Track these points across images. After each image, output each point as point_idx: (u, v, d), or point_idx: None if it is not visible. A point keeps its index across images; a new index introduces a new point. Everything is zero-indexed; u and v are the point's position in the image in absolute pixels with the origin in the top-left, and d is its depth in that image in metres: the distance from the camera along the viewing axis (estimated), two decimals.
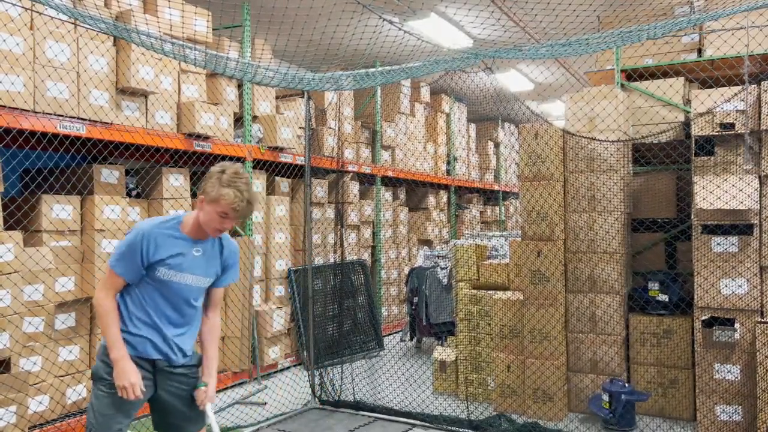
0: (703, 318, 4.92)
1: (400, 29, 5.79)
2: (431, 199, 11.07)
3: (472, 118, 12.89)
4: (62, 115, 4.85)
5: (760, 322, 4.59)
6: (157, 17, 5.68)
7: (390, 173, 9.46)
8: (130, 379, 2.78)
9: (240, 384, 6.54)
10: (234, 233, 6.64)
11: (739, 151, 4.92)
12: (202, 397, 3.03)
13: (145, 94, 5.62)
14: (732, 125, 4.85)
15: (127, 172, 5.74)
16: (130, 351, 2.86)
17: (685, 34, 5.90)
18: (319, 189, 8.03)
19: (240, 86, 6.80)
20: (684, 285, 5.50)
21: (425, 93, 10.73)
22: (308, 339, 6.42)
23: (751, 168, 4.87)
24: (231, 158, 6.52)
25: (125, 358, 2.81)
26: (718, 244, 4.89)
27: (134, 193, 5.93)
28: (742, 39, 5.24)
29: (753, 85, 4.85)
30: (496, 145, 13.87)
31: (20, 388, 4.43)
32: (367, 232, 9.16)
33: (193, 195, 6.46)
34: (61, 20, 4.87)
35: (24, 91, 4.59)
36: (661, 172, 5.92)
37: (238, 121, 6.77)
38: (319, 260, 7.83)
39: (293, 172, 7.50)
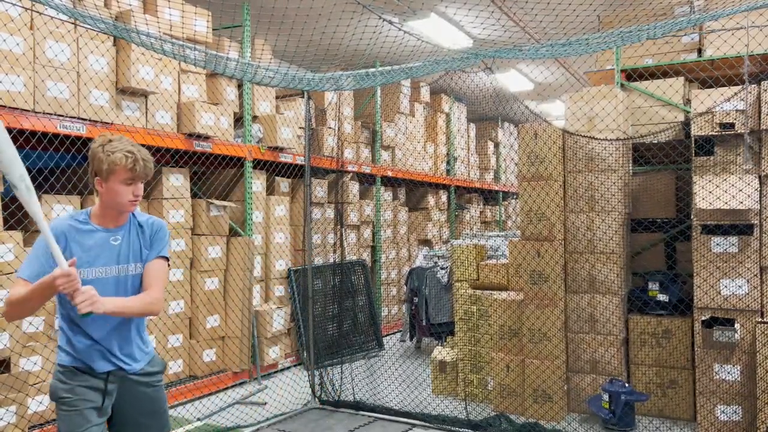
0: (703, 318, 4.93)
1: (400, 29, 5.79)
2: (431, 199, 11.07)
3: (471, 118, 12.89)
4: (62, 115, 4.86)
5: (760, 323, 4.59)
6: (157, 17, 5.68)
7: (390, 173, 9.47)
8: (54, 274, 2.36)
9: (240, 384, 6.54)
10: (234, 233, 6.65)
11: (738, 150, 4.92)
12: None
13: (145, 94, 5.62)
14: (732, 125, 4.85)
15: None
16: (79, 364, 2.65)
17: (685, 34, 5.90)
18: (319, 189, 8.04)
19: (240, 86, 6.80)
20: (683, 285, 5.50)
21: (425, 93, 10.73)
22: (308, 339, 6.42)
23: (750, 168, 4.87)
24: (231, 158, 6.53)
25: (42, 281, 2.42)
26: (717, 244, 4.90)
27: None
28: (742, 39, 5.24)
29: (753, 85, 4.85)
30: (496, 145, 13.88)
31: (20, 388, 4.43)
32: (366, 232, 9.16)
33: (194, 195, 6.47)
34: (61, 20, 4.87)
35: (24, 91, 4.59)
36: (660, 172, 5.92)
37: (238, 121, 6.77)
38: (319, 260, 7.83)
39: (293, 172, 7.51)
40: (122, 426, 2.79)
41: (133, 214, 2.81)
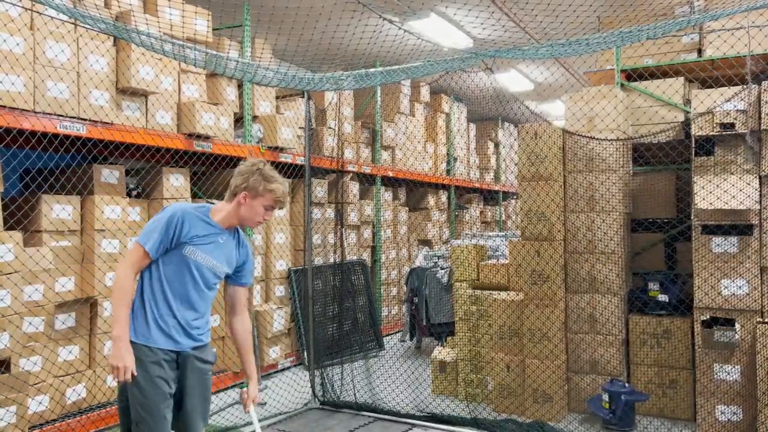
0: (703, 319, 4.92)
1: (400, 28, 5.79)
2: (431, 199, 11.07)
3: (471, 118, 12.89)
4: (62, 115, 4.85)
5: (760, 323, 4.59)
6: (157, 17, 5.68)
7: (390, 173, 9.46)
8: (126, 361, 2.79)
9: (240, 384, 6.54)
10: None
11: (738, 151, 4.92)
12: (245, 397, 3.18)
13: (145, 94, 5.62)
14: (732, 125, 4.85)
15: (127, 172, 5.74)
16: (153, 344, 2.91)
17: (685, 34, 5.90)
18: (319, 189, 8.03)
19: (240, 86, 6.80)
20: (683, 285, 5.50)
21: (425, 93, 10.73)
22: (308, 339, 6.42)
23: (751, 168, 4.87)
24: (231, 158, 6.53)
25: (125, 339, 2.82)
26: (717, 244, 4.89)
27: (134, 193, 5.93)
28: (742, 39, 5.24)
29: (753, 85, 4.85)
30: (496, 145, 13.87)
31: (20, 388, 4.43)
32: (366, 232, 9.16)
33: (194, 195, 6.46)
34: (61, 20, 4.87)
35: (24, 91, 4.59)
36: (660, 172, 5.92)
37: (239, 121, 6.77)
38: (319, 260, 7.83)
39: (293, 172, 7.50)
40: (178, 403, 3.02)
41: (238, 227, 3.20)
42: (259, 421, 5.38)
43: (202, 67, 4.91)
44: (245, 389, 3.20)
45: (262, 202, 3.03)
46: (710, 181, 4.89)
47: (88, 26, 4.46)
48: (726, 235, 4.86)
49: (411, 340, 8.03)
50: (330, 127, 8.29)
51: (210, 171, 6.91)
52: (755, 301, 4.77)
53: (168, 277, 2.97)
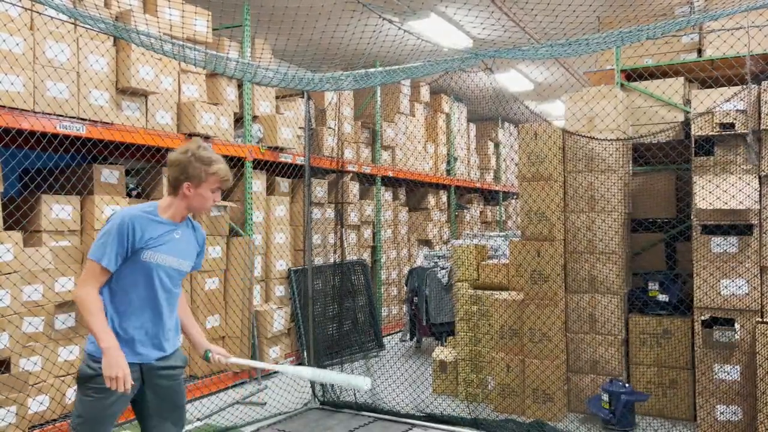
0: (703, 318, 4.92)
1: (399, 28, 5.79)
2: (431, 199, 11.07)
3: (472, 118, 12.89)
4: (62, 115, 4.85)
5: (760, 323, 4.59)
6: (157, 17, 5.68)
7: (390, 173, 9.46)
8: (123, 369, 2.68)
9: (240, 384, 6.54)
10: (234, 233, 6.65)
11: (738, 151, 4.92)
12: (216, 359, 3.07)
13: (145, 94, 5.62)
14: (732, 125, 4.85)
15: (127, 172, 5.74)
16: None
17: (684, 34, 5.90)
18: (319, 189, 8.03)
19: (240, 86, 6.80)
20: (683, 285, 5.50)
21: (425, 93, 10.73)
22: (308, 339, 6.42)
23: (750, 168, 4.87)
24: (231, 158, 6.53)
25: (115, 348, 2.70)
26: (717, 244, 4.89)
27: (134, 193, 5.93)
28: (742, 39, 5.24)
29: (753, 85, 4.85)
30: (496, 145, 13.87)
31: (20, 388, 4.43)
32: (367, 232, 9.16)
33: None
34: (61, 20, 4.87)
35: (24, 91, 4.59)
36: (660, 172, 5.92)
37: (238, 121, 6.77)
38: (319, 260, 7.83)
39: (293, 172, 7.50)
40: (147, 413, 2.94)
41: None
42: (259, 421, 5.39)
43: (202, 67, 4.91)
44: (210, 355, 3.06)
45: (207, 187, 2.89)
46: (710, 181, 4.89)
47: (88, 26, 4.47)
48: (726, 235, 4.86)
49: (411, 340, 8.03)
50: (330, 127, 8.29)
51: None
52: (755, 301, 4.77)
53: (130, 288, 2.82)
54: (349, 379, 3.19)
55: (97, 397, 2.76)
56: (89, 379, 2.76)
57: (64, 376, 4.91)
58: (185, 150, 2.91)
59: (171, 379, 2.96)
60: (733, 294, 4.83)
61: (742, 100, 4.84)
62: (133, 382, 2.75)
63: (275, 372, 7.07)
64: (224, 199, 6.80)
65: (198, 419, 5.44)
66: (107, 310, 2.81)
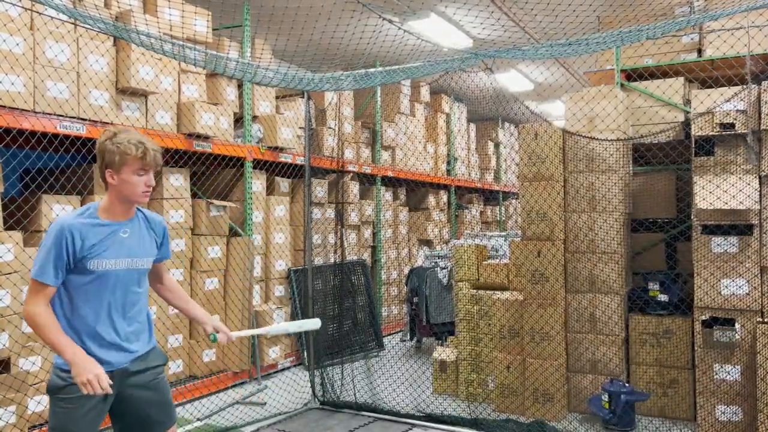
0: (704, 318, 4.92)
1: (399, 28, 5.79)
2: (431, 199, 11.07)
3: (472, 118, 12.89)
4: (62, 115, 4.86)
5: (761, 323, 4.59)
6: (157, 17, 5.68)
7: (390, 173, 9.46)
8: (94, 371, 2.53)
9: (240, 384, 6.54)
10: (234, 233, 6.65)
11: (738, 151, 4.91)
12: (224, 339, 2.99)
13: (145, 94, 5.62)
14: (732, 125, 4.85)
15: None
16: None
17: (685, 34, 5.89)
18: (319, 189, 8.03)
19: (240, 86, 6.80)
20: (684, 285, 5.50)
21: (425, 93, 10.73)
22: (308, 339, 6.42)
23: (751, 168, 4.87)
24: (231, 158, 6.53)
25: (79, 353, 2.56)
26: (718, 244, 4.89)
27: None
28: (742, 39, 5.23)
29: (753, 85, 4.85)
30: (496, 145, 13.87)
31: (20, 388, 4.43)
32: (367, 232, 9.16)
33: (194, 195, 6.47)
34: (61, 20, 4.87)
35: (24, 91, 4.59)
36: (660, 172, 5.92)
37: (238, 121, 6.77)
38: (319, 260, 7.83)
39: (293, 172, 7.50)
40: (128, 420, 2.82)
41: (138, 207, 2.86)
42: (259, 421, 5.39)
43: (202, 67, 4.91)
44: (218, 335, 2.97)
45: (129, 170, 2.65)
46: (710, 181, 4.88)
47: (88, 26, 4.46)
48: (726, 235, 4.86)
49: (411, 340, 8.03)
50: (330, 127, 8.29)
51: (210, 171, 6.91)
52: (755, 300, 4.77)
53: (82, 299, 2.66)
54: (302, 324, 3.25)
55: (70, 407, 2.63)
56: (59, 390, 2.64)
57: None
58: (102, 139, 2.70)
59: (152, 378, 2.85)
60: (734, 294, 4.82)
61: (742, 100, 4.84)
62: (110, 383, 2.61)
63: (275, 372, 7.08)
64: (224, 198, 6.81)
65: (198, 419, 5.44)
66: (64, 325, 2.65)
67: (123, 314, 2.76)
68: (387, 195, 9.75)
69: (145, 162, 2.68)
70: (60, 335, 2.58)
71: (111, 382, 2.59)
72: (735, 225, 4.83)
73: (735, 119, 4.83)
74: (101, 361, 2.64)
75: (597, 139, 5.31)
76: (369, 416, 5.51)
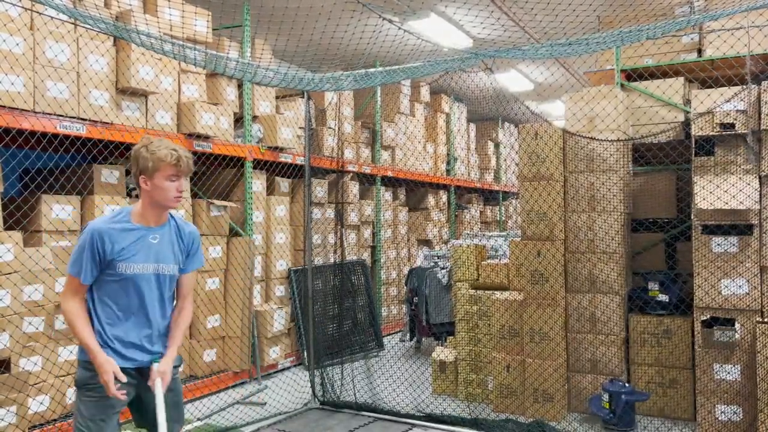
0: (703, 318, 4.92)
1: (399, 28, 5.79)
2: (431, 199, 11.07)
3: (472, 118, 12.89)
4: (62, 115, 4.85)
5: (760, 323, 4.59)
6: (157, 17, 5.68)
7: (390, 173, 9.46)
8: (109, 372, 2.72)
9: (240, 384, 6.54)
10: (234, 233, 6.65)
11: (739, 151, 4.92)
12: (153, 373, 2.87)
13: (145, 94, 5.62)
14: (732, 125, 4.85)
15: (127, 172, 5.73)
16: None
17: (685, 34, 5.90)
18: (319, 189, 8.03)
19: (240, 86, 6.80)
20: (684, 285, 5.50)
21: (425, 93, 10.73)
22: (308, 339, 6.42)
23: (751, 168, 4.87)
24: (231, 158, 6.53)
25: (101, 353, 2.74)
26: (718, 244, 4.89)
27: (134, 193, 5.93)
28: (742, 39, 5.24)
29: (753, 85, 4.85)
30: (496, 145, 13.87)
31: (20, 388, 4.43)
32: (367, 232, 9.16)
33: (194, 195, 6.46)
34: (61, 20, 4.87)
35: (24, 91, 4.59)
36: (660, 172, 5.92)
37: (238, 121, 6.77)
38: (319, 260, 7.83)
39: (293, 172, 7.50)
40: (145, 413, 2.95)
41: (172, 215, 3.00)
42: (259, 421, 5.39)
43: (202, 67, 4.91)
44: (155, 365, 2.88)
45: (161, 176, 2.79)
46: (710, 182, 4.89)
47: (88, 26, 4.46)
48: (726, 235, 4.86)
49: (411, 340, 8.03)
50: (330, 127, 8.29)
51: (210, 171, 6.91)
52: (755, 300, 4.77)
53: (113, 297, 2.83)
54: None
55: (99, 396, 2.79)
56: (88, 380, 2.80)
57: (64, 376, 4.91)
58: (138, 146, 2.85)
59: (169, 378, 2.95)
60: (734, 294, 4.83)
61: (742, 100, 4.84)
62: (127, 383, 2.79)
63: (275, 372, 7.08)
64: (224, 198, 6.81)
65: (198, 419, 5.44)
66: (94, 320, 2.83)
67: (149, 316, 2.89)
68: (387, 195, 9.75)
69: (179, 168, 2.83)
70: (86, 333, 2.77)
71: (129, 388, 2.79)
72: (735, 225, 4.84)
73: (735, 119, 4.83)
74: (125, 358, 2.83)
75: (597, 139, 5.31)
76: (369, 416, 5.51)
